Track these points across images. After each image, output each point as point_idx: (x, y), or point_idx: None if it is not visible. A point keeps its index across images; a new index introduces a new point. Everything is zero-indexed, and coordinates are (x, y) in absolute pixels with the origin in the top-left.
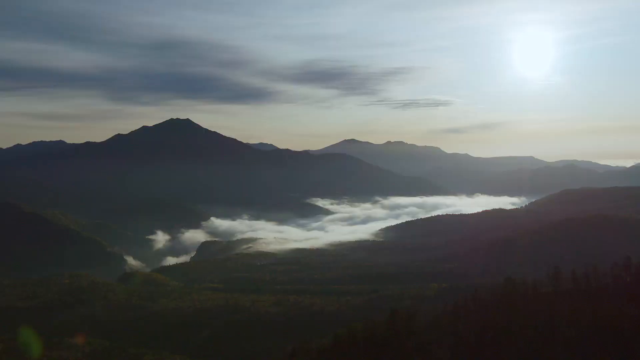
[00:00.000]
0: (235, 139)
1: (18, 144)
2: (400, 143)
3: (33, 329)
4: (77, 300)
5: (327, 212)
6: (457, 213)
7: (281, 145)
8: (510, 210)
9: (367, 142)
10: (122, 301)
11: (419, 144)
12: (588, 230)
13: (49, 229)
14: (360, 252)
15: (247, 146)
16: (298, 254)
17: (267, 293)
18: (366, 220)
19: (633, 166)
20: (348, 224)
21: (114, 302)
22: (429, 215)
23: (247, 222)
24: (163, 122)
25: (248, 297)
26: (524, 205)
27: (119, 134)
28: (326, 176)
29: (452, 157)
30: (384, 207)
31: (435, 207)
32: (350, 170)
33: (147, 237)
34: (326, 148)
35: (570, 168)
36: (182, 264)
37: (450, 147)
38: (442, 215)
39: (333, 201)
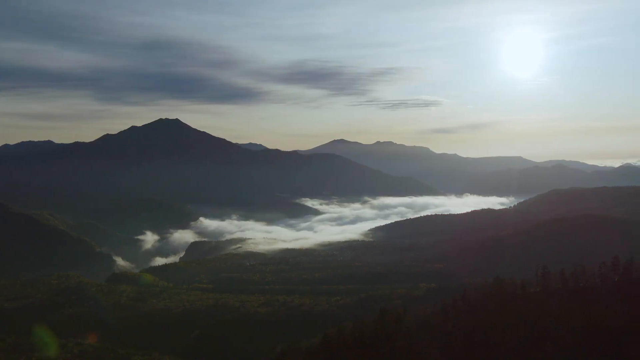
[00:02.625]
0: (224, 139)
1: (6, 144)
2: (389, 143)
3: (24, 330)
4: (66, 300)
5: (317, 212)
6: (446, 213)
7: (270, 145)
8: (499, 210)
9: (356, 142)
10: (111, 302)
11: (408, 144)
12: (576, 230)
13: (37, 230)
14: (349, 252)
15: (236, 146)
16: (287, 254)
17: (256, 293)
18: (355, 220)
19: (621, 166)
20: (337, 224)
21: (103, 303)
22: (418, 216)
23: (236, 222)
24: (152, 122)
25: (237, 298)
26: (512, 205)
27: (107, 134)
28: (315, 176)
29: (441, 157)
30: (373, 207)
31: (424, 207)
32: (339, 170)
33: (135, 237)
34: (315, 148)
35: (559, 168)
36: (171, 264)
37: (439, 147)
38: (431, 215)
39: (322, 201)
